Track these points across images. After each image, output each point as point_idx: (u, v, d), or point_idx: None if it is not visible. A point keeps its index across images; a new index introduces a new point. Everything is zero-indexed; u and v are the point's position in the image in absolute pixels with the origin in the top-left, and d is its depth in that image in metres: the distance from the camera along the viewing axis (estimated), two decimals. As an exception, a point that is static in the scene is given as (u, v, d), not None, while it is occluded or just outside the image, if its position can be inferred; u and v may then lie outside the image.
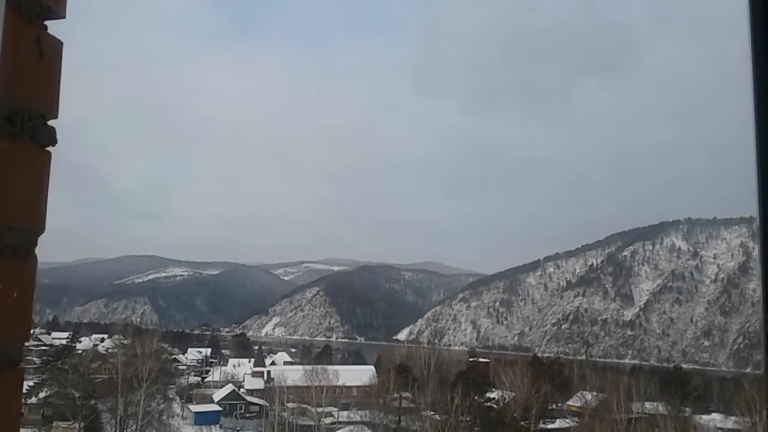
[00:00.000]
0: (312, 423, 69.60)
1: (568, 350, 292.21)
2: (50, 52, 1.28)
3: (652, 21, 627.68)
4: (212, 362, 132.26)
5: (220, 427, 76.69)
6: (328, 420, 71.67)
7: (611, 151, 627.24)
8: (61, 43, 1.31)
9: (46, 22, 1.28)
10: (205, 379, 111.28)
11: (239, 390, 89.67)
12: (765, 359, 1.25)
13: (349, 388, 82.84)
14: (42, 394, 60.25)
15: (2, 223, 1.16)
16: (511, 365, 73.31)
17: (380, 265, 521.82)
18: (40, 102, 1.25)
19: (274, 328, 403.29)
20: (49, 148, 1.28)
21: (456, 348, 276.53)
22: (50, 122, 1.29)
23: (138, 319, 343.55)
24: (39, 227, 1.26)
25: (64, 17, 1.31)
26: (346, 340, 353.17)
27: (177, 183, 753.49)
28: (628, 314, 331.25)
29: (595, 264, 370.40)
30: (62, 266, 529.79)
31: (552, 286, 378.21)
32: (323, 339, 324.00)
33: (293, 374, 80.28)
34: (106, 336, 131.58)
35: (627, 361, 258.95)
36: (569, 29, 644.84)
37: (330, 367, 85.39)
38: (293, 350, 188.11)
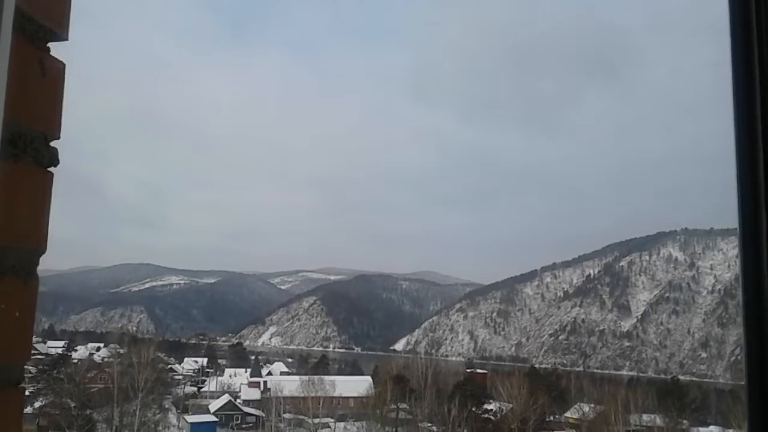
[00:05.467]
0: (308, 434, 69.46)
1: (565, 361, 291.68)
2: (53, 75, 1.29)
3: (651, 28, 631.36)
4: (208, 372, 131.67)
5: (216, 437, 76.30)
6: (324, 431, 71.52)
7: (609, 161, 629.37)
8: (64, 65, 1.31)
9: (48, 44, 1.29)
10: (202, 390, 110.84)
11: (236, 400, 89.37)
12: (746, 370, 1.27)
13: (346, 398, 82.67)
14: (37, 404, 59.86)
15: (5, 243, 1.17)
16: (508, 376, 73.03)
17: (377, 275, 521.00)
18: (43, 124, 1.26)
19: (270, 338, 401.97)
20: (51, 169, 1.29)
21: (453, 359, 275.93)
22: (52, 143, 1.30)
23: (134, 328, 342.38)
24: (41, 247, 1.27)
25: (66, 39, 1.31)
26: (343, 350, 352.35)
27: (174, 191, 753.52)
28: (626, 325, 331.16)
29: (592, 274, 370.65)
30: (58, 274, 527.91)
31: (549, 297, 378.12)
32: (320, 349, 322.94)
33: (290, 385, 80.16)
34: (102, 345, 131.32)
35: (624, 372, 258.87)
36: (568, 38, 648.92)
37: (327, 378, 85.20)
38: (290, 360, 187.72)
